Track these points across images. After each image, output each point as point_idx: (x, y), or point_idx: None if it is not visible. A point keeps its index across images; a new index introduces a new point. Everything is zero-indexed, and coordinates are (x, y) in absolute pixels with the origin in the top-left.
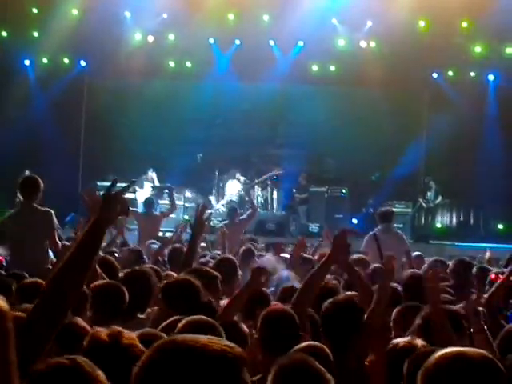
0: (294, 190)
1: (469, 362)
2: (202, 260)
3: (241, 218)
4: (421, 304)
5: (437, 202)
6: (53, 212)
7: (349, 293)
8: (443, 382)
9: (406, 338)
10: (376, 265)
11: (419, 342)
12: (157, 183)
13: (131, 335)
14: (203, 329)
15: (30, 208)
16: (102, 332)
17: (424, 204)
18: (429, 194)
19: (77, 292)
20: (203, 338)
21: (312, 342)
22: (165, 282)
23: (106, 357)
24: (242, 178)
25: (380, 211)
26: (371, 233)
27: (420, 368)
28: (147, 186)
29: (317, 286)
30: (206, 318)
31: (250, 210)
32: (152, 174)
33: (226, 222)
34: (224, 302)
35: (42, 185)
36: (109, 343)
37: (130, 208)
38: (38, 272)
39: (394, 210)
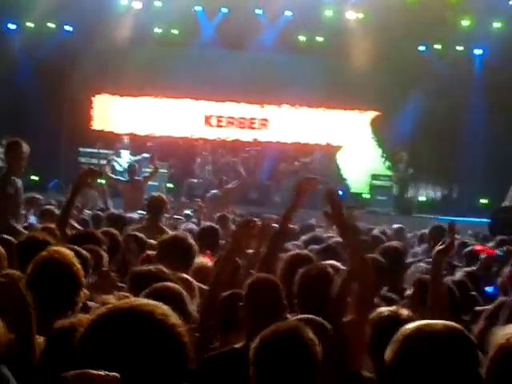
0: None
1: (432, 335)
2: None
3: (226, 186)
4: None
5: (407, 173)
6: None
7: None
8: (409, 356)
9: (392, 308)
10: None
11: (404, 311)
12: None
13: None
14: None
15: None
16: (112, 299)
17: (395, 176)
18: (400, 165)
19: None
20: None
21: (310, 316)
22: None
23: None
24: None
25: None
26: None
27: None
28: (125, 154)
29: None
30: (172, 285)
31: (237, 180)
32: (128, 142)
33: (214, 191)
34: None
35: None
36: None
37: (113, 176)
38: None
39: (378, 183)
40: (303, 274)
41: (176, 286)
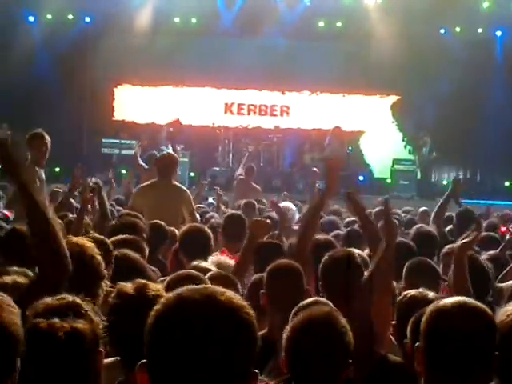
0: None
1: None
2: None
3: (255, 185)
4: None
5: (431, 157)
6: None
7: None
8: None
9: (418, 290)
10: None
11: (431, 293)
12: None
13: (157, 286)
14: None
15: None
16: (128, 286)
17: (418, 160)
18: (424, 149)
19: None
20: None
21: (320, 299)
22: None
23: (133, 310)
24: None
25: None
26: None
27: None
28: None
29: (315, 223)
30: (195, 272)
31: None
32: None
33: (241, 176)
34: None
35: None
36: (135, 296)
37: (142, 164)
38: None
39: (400, 167)
40: (328, 257)
41: (197, 273)
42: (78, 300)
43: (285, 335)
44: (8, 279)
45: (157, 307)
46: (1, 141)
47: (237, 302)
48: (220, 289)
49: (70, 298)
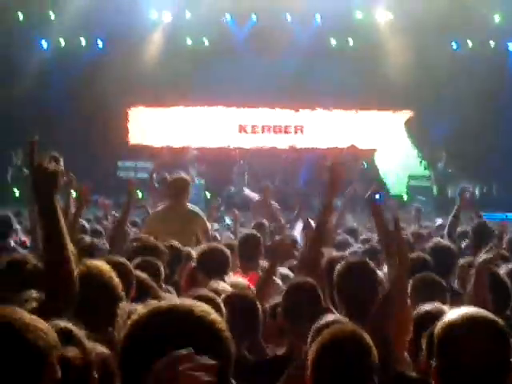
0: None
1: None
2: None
3: (274, 203)
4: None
5: (446, 172)
6: None
7: None
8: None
9: (434, 305)
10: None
11: (446, 308)
12: None
13: None
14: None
15: None
16: (139, 308)
17: (432, 176)
18: (439, 164)
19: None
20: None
21: (339, 317)
22: None
23: None
24: None
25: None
26: None
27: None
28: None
29: (326, 225)
30: (209, 294)
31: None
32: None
33: (257, 198)
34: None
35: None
36: None
37: (156, 185)
38: None
39: (416, 183)
40: (342, 265)
41: (211, 294)
42: (70, 326)
43: (310, 357)
44: (34, 305)
45: (127, 326)
46: (42, 162)
47: (210, 316)
48: (196, 304)
49: (62, 323)
